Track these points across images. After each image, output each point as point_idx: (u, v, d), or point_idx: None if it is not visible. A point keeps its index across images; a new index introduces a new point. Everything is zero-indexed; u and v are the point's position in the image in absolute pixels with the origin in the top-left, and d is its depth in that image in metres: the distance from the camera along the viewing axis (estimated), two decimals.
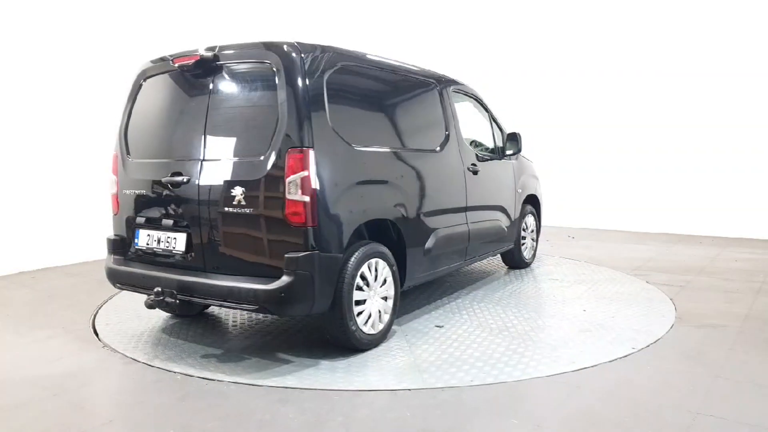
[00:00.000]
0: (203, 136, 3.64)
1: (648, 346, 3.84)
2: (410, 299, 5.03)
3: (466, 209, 4.97)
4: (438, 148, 4.70)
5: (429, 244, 4.40)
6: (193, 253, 3.63)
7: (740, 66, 8.72)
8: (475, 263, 6.26)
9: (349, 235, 3.59)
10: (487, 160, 5.45)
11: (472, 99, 5.68)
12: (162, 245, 3.76)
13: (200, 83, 3.76)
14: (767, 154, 8.65)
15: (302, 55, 3.48)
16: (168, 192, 3.72)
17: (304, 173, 3.30)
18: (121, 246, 4.03)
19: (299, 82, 3.40)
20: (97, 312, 4.77)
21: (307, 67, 3.47)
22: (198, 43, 3.80)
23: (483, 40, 11.04)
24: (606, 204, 9.89)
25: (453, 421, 2.80)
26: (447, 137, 4.81)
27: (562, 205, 9.91)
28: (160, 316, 4.58)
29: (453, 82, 5.25)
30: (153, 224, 3.83)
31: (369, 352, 3.75)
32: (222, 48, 3.64)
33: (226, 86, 3.71)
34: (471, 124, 5.72)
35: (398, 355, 3.71)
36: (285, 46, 3.48)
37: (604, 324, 4.33)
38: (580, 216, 10.02)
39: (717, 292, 5.37)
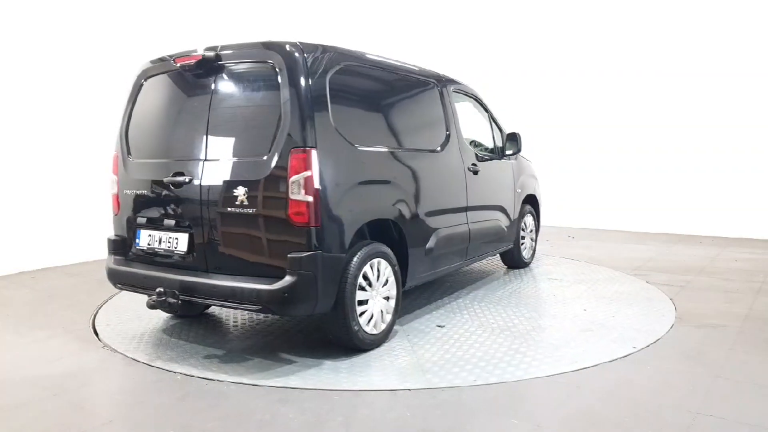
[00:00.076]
0: (205, 136, 3.64)
1: (648, 346, 3.85)
2: (411, 299, 5.03)
3: (466, 209, 4.98)
4: (439, 148, 4.70)
5: (430, 244, 4.40)
6: (195, 253, 3.63)
7: (740, 66, 8.72)
8: (475, 263, 6.26)
9: (352, 235, 3.59)
10: (487, 160, 5.45)
11: (471, 99, 5.69)
12: (163, 245, 3.75)
13: (202, 83, 3.76)
14: (767, 154, 8.65)
15: (305, 55, 3.48)
16: (170, 192, 3.72)
17: (307, 173, 3.30)
18: (121, 246, 4.03)
19: (302, 81, 3.40)
20: (97, 312, 4.77)
21: (309, 66, 3.47)
22: (198, 43, 3.80)
23: (483, 40, 11.04)
24: (606, 204, 9.89)
25: (453, 421, 2.80)
26: (447, 137, 4.82)
27: (562, 205, 9.92)
28: (160, 316, 4.58)
29: (453, 81, 5.25)
30: (154, 224, 3.82)
31: (371, 353, 3.75)
32: (224, 48, 3.64)
33: (228, 86, 3.71)
34: (471, 124, 5.73)
35: (401, 355, 3.72)
36: (287, 46, 3.48)
37: (605, 323, 4.33)
38: (580, 216, 10.02)
39: (717, 292, 5.37)
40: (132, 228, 3.95)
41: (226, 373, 3.41)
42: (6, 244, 6.26)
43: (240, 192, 3.41)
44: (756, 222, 8.69)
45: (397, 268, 3.99)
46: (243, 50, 3.62)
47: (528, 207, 6.46)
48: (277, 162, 3.34)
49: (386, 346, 3.86)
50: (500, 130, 5.86)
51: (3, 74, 6.25)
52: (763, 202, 8.65)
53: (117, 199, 4.07)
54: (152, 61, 4.05)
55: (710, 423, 2.75)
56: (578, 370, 3.43)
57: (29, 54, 6.44)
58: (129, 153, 4.04)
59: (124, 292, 4.58)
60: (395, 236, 4.10)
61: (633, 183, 9.71)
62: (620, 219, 9.75)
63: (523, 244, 6.37)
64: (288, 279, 3.29)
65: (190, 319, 4.52)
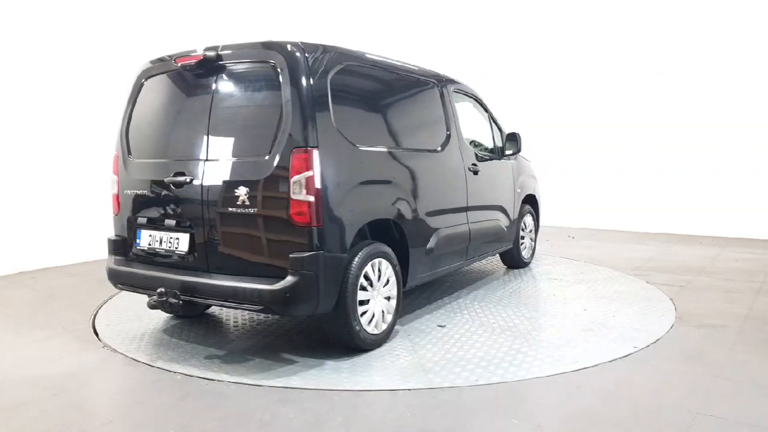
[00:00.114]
0: (206, 136, 3.63)
1: (648, 346, 3.85)
2: (411, 299, 5.03)
3: (466, 209, 4.98)
4: (439, 148, 4.70)
5: (431, 244, 4.40)
6: (196, 254, 3.63)
7: (740, 66, 8.72)
8: (475, 263, 6.27)
9: (353, 235, 3.59)
10: (487, 160, 5.46)
11: (471, 99, 5.69)
12: (164, 245, 3.75)
13: (203, 83, 3.75)
14: (767, 154, 8.66)
15: (306, 55, 3.48)
16: (170, 192, 3.71)
17: (309, 173, 3.30)
18: (122, 246, 4.03)
19: (303, 81, 3.40)
20: (97, 312, 4.77)
21: (311, 66, 3.47)
22: (198, 43, 3.79)
23: (483, 40, 11.04)
24: (606, 204, 9.89)
25: (453, 421, 2.80)
26: (448, 137, 4.82)
27: (562, 205, 9.92)
28: (160, 317, 4.57)
29: (453, 81, 5.26)
30: (155, 224, 3.82)
31: (373, 353, 3.75)
32: (225, 48, 3.64)
33: (229, 86, 3.71)
34: (471, 124, 5.73)
35: (402, 355, 3.72)
36: (289, 46, 3.47)
37: (605, 323, 4.33)
38: (580, 216, 10.02)
39: (717, 292, 5.37)
40: (132, 228, 3.95)
41: (227, 374, 3.40)
42: (6, 244, 6.26)
43: (241, 192, 3.41)
44: (756, 222, 8.69)
45: (398, 268, 4.00)
46: (244, 50, 3.62)
47: (527, 207, 6.46)
48: (278, 162, 3.33)
49: (387, 346, 3.86)
50: (500, 130, 5.87)
51: (3, 74, 6.25)
52: (763, 202, 8.65)
53: (117, 199, 4.06)
54: (152, 61, 4.05)
55: (710, 423, 2.75)
56: (578, 370, 3.44)
57: (29, 54, 6.43)
58: (129, 153, 4.04)
59: (123, 292, 4.58)
60: (396, 236, 4.10)
61: (633, 183, 9.72)
62: (620, 219, 9.75)
63: (522, 244, 6.37)
64: (290, 279, 3.29)
65: (191, 320, 4.52)
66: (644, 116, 9.54)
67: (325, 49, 3.67)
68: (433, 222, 4.44)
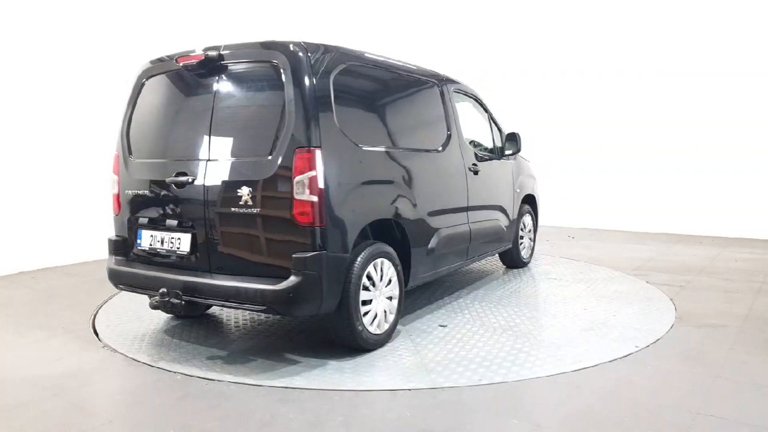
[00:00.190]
0: (208, 136, 3.63)
1: (648, 345, 3.85)
2: (412, 299, 5.03)
3: (467, 209, 4.98)
4: (440, 148, 4.70)
5: (432, 243, 4.40)
6: (197, 254, 3.63)
7: (740, 66, 8.73)
8: (474, 263, 6.27)
9: (356, 235, 3.59)
10: (487, 160, 5.46)
11: (471, 99, 5.69)
12: (166, 246, 3.74)
13: (204, 83, 3.75)
14: (767, 154, 8.66)
15: (308, 55, 3.47)
16: (172, 192, 3.71)
17: (312, 173, 3.30)
18: (122, 247, 4.02)
19: (306, 81, 3.40)
20: (97, 312, 4.77)
21: (313, 66, 3.47)
22: (198, 43, 3.79)
23: (483, 40, 11.04)
24: (606, 204, 9.90)
25: (453, 421, 2.80)
26: (449, 137, 4.82)
27: (562, 205, 9.93)
28: (161, 317, 4.57)
29: (453, 81, 5.26)
30: (156, 225, 3.81)
31: (375, 353, 3.75)
32: (226, 47, 3.63)
33: (231, 86, 3.70)
34: (471, 124, 5.73)
35: (404, 355, 3.72)
36: (291, 46, 3.47)
37: (605, 323, 4.34)
38: (580, 216, 10.03)
39: (717, 292, 5.38)
40: (133, 228, 3.94)
41: (229, 374, 3.40)
42: (6, 244, 6.25)
43: (244, 192, 3.40)
44: (756, 222, 8.70)
45: (399, 268, 4.00)
46: (246, 50, 3.61)
47: (527, 207, 6.46)
48: (281, 162, 3.33)
49: (389, 346, 3.87)
50: (500, 130, 5.87)
51: (3, 75, 6.25)
52: (763, 202, 8.65)
53: (118, 199, 4.06)
54: (152, 61, 4.04)
55: (710, 423, 2.75)
56: (578, 370, 3.44)
57: (30, 54, 6.43)
58: (130, 153, 4.03)
59: (123, 292, 4.58)
60: (397, 236, 4.10)
61: (633, 183, 9.72)
62: (620, 219, 9.76)
63: (522, 243, 6.38)
64: (293, 279, 3.28)
65: (191, 320, 4.52)
66: (644, 116, 9.54)
67: (327, 49, 3.66)
68: (434, 222, 4.44)
